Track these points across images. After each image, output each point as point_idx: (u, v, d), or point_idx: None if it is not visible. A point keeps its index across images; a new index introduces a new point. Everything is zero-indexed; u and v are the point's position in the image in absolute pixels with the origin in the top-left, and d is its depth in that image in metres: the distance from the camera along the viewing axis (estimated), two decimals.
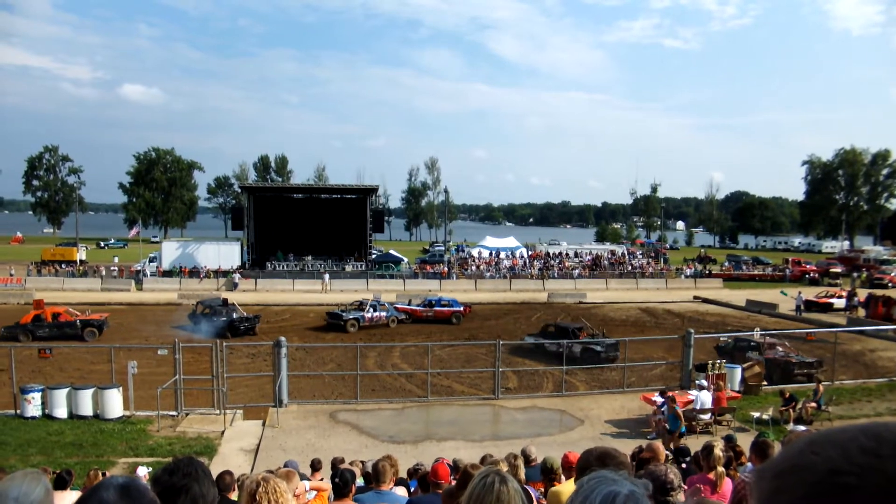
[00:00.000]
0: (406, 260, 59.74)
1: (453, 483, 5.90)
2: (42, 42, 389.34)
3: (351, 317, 33.30)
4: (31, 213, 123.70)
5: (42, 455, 14.37)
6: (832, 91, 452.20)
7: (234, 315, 32.12)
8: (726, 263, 68.55)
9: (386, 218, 64.29)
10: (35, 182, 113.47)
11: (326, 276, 49.13)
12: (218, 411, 17.70)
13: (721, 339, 26.04)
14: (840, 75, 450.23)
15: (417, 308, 36.75)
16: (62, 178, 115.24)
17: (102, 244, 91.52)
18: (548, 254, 61.52)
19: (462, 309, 36.99)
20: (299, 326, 34.47)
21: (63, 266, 56.01)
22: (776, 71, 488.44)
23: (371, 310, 34.21)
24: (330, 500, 6.45)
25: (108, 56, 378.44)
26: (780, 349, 23.15)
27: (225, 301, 34.65)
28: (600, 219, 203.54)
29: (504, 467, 5.63)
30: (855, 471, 0.71)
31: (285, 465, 8.76)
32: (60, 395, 17.26)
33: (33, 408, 17.06)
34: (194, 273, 50.71)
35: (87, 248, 71.88)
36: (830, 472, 0.72)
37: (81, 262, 60.54)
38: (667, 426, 14.95)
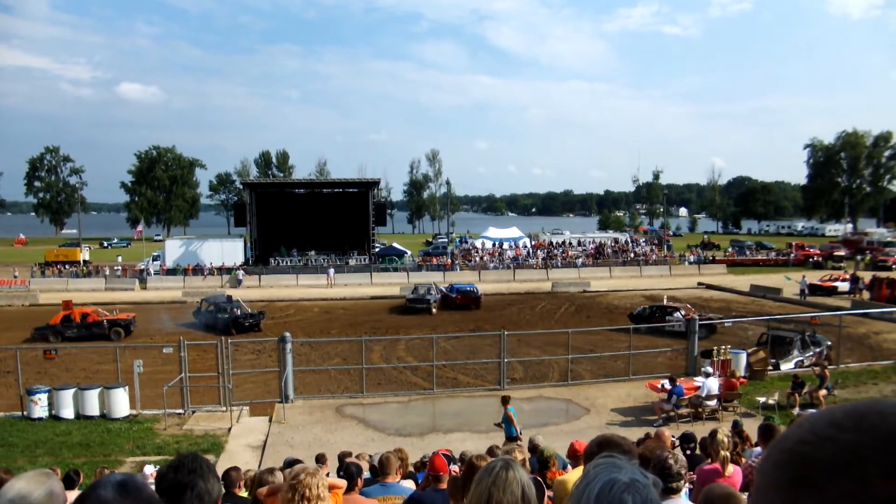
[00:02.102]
0: (409, 252, 59.74)
1: (453, 473, 5.90)
2: (41, 43, 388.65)
3: (433, 299, 37.60)
4: (33, 214, 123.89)
5: (50, 456, 14.41)
6: (833, 75, 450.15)
7: (239, 311, 32.21)
8: (730, 249, 68.35)
9: (388, 211, 64.48)
10: (37, 183, 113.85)
11: (331, 271, 49.19)
12: (224, 408, 17.73)
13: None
14: (840, 59, 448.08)
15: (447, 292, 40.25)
16: (64, 178, 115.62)
17: (105, 244, 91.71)
18: (551, 243, 61.46)
19: (456, 296, 38.53)
20: (304, 322, 34.54)
21: (67, 267, 56.11)
22: (776, 56, 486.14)
23: (437, 293, 39.22)
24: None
25: (107, 56, 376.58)
26: (683, 311, 28.70)
27: (229, 298, 34.73)
28: (603, 207, 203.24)
29: (519, 456, 5.63)
30: (813, 440, 0.75)
31: (285, 463, 8.72)
32: (67, 396, 17.29)
33: (40, 409, 17.08)
34: (198, 271, 50.80)
35: (90, 249, 72.01)
36: (797, 441, 0.77)
37: (85, 262, 60.66)
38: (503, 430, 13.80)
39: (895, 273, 45.33)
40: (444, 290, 40.31)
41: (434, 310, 36.95)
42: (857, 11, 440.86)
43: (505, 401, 13.90)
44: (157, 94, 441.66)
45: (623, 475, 1.46)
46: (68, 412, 17.19)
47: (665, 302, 31.60)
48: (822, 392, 17.21)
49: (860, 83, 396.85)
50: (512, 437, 13.23)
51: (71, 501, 2.22)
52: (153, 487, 1.93)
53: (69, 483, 7.76)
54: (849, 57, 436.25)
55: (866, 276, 42.13)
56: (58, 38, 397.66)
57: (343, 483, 6.28)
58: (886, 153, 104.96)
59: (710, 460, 6.50)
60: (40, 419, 16.95)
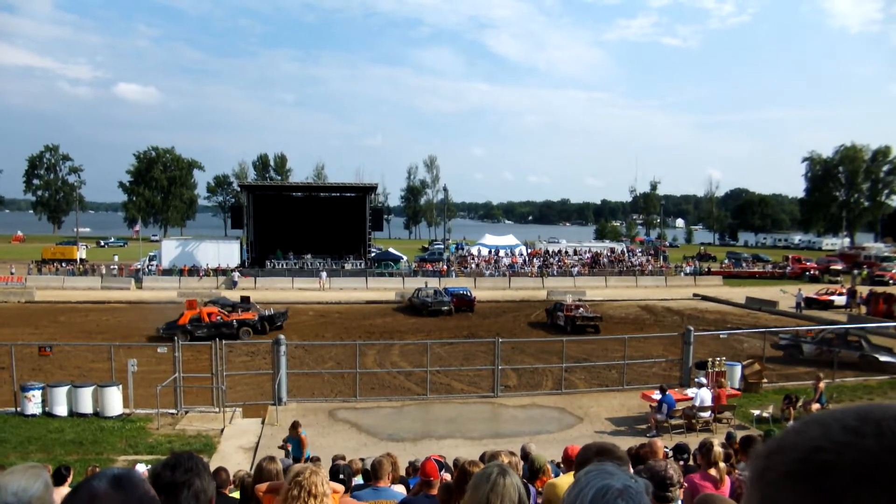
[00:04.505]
0: (405, 258, 59.73)
1: (444, 479, 5.89)
2: (43, 42, 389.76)
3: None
4: (31, 212, 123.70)
5: (42, 453, 14.38)
6: (832, 88, 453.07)
7: (265, 312, 32.66)
8: (726, 261, 68.50)
9: (385, 216, 64.27)
10: (36, 181, 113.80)
11: (324, 274, 49.14)
12: (217, 409, 17.70)
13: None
14: (839, 72, 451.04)
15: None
16: (62, 177, 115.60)
17: (102, 243, 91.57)
18: (547, 252, 61.45)
19: (451, 299, 39.31)
20: (299, 325, 34.46)
21: (63, 265, 56.02)
22: (775, 68, 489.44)
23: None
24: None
25: (108, 56, 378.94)
26: (582, 309, 33.48)
27: (246, 299, 35.09)
28: (600, 217, 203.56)
29: (505, 459, 5.63)
30: (834, 448, 0.72)
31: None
32: (60, 393, 17.28)
33: (33, 405, 17.08)
34: (194, 271, 50.72)
35: (87, 247, 71.86)
36: (812, 449, 0.74)
37: (82, 260, 60.54)
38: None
39: (892, 288, 45.39)
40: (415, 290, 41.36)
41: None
42: (856, 25, 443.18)
43: (295, 426, 12.93)
44: (156, 96, 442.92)
45: (616, 481, 1.47)
46: (62, 409, 17.18)
47: (568, 301, 35.78)
48: (816, 406, 17.21)
49: (859, 96, 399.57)
50: (299, 460, 12.00)
51: (61, 497, 2.22)
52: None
53: (59, 479, 7.74)
54: (847, 70, 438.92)
55: (864, 290, 42.18)
56: (60, 38, 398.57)
57: (341, 487, 6.28)
58: (885, 168, 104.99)
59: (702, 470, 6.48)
60: (33, 416, 16.95)
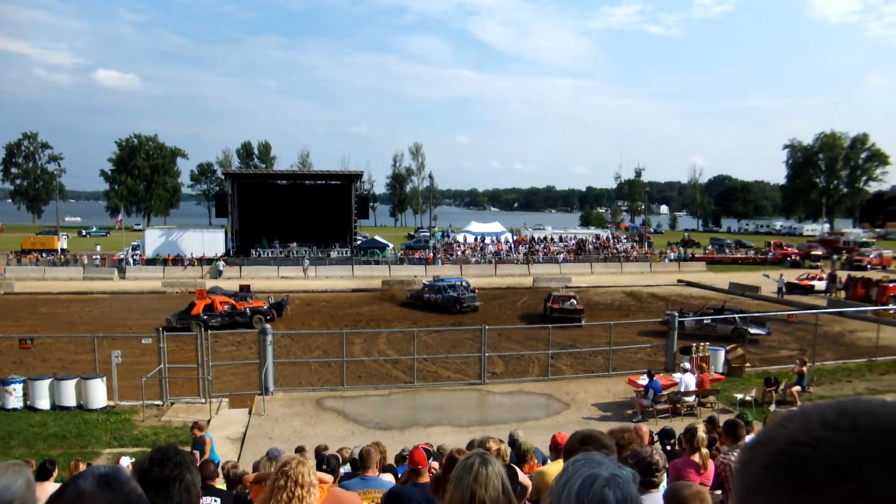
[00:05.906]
0: (391, 246, 59.65)
1: (432, 468, 5.91)
2: (21, 26, 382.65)
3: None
4: (9, 201, 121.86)
5: (25, 447, 14.24)
6: (812, 77, 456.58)
7: (271, 300, 32.97)
8: (710, 247, 68.94)
9: (371, 204, 64.30)
10: (14, 170, 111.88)
11: (306, 262, 48.97)
12: (203, 400, 17.64)
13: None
14: (820, 62, 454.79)
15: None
16: (42, 165, 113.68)
17: (84, 232, 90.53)
18: (533, 239, 61.61)
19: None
20: (285, 313, 34.25)
21: (44, 255, 55.31)
22: (757, 57, 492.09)
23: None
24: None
25: (88, 42, 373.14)
26: (573, 301, 32.51)
27: (247, 287, 35.84)
28: (585, 203, 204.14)
29: (493, 446, 5.65)
30: (810, 442, 0.75)
31: (267, 454, 8.70)
32: (43, 386, 17.09)
33: (15, 399, 16.88)
34: (178, 261, 50.30)
35: (67, 237, 71.02)
36: (790, 443, 0.77)
37: (62, 250, 59.82)
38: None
39: (870, 273, 45.98)
40: (426, 283, 39.96)
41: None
42: (835, 15, 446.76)
43: (198, 427, 11.88)
44: (138, 83, 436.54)
45: (603, 470, 1.47)
46: (44, 403, 17.01)
47: (561, 291, 35.38)
48: (797, 388, 17.47)
49: (838, 85, 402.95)
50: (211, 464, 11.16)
51: (48, 492, 2.21)
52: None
53: (44, 474, 7.66)
54: (827, 59, 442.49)
55: (843, 275, 42.69)
56: (38, 23, 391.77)
57: (330, 478, 6.27)
58: (863, 155, 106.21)
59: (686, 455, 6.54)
60: (15, 410, 16.76)
